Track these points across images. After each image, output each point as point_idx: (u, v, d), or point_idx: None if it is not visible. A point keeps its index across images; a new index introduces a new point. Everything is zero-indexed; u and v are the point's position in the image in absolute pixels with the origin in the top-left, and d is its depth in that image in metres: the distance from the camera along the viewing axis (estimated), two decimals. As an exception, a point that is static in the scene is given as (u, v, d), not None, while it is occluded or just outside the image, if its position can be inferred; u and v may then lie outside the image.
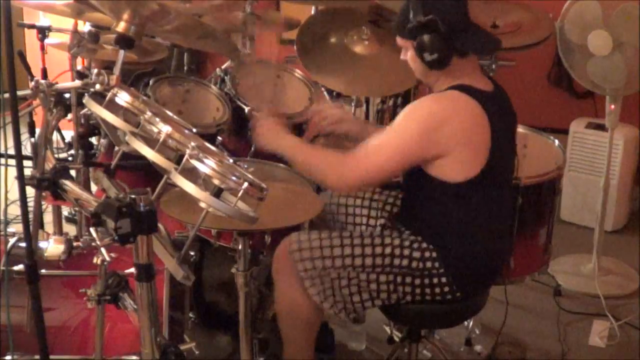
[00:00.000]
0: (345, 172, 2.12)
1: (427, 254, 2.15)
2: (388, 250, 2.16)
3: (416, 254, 2.16)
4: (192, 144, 1.52)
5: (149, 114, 1.60)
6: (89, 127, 2.64)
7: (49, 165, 1.81)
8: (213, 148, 1.71)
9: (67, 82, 2.44)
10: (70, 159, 3.59)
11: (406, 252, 2.16)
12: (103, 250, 1.61)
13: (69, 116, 2.47)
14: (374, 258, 2.16)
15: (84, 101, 1.73)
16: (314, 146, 2.25)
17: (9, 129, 1.63)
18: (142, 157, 1.55)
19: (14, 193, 1.65)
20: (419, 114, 2.11)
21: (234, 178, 1.49)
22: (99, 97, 1.69)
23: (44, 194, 1.76)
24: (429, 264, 2.15)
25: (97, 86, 1.89)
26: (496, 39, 2.21)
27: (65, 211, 3.47)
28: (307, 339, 2.29)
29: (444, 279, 2.15)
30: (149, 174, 2.03)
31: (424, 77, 2.20)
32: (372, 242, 2.18)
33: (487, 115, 2.08)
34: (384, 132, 2.13)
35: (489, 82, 2.19)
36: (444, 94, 2.11)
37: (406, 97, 3.71)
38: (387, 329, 2.95)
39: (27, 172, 1.68)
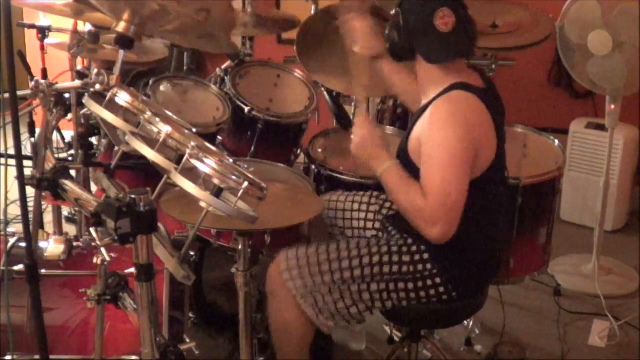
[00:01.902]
0: (429, 227, 2.02)
1: (417, 257, 2.15)
2: (376, 259, 2.16)
3: (406, 258, 2.15)
4: (192, 143, 1.52)
5: (149, 114, 1.60)
6: (89, 127, 2.64)
7: (49, 165, 1.81)
8: (213, 148, 1.71)
9: (67, 82, 2.43)
10: (70, 159, 3.59)
11: (395, 258, 2.16)
12: (103, 250, 1.61)
13: (69, 116, 2.47)
14: (362, 269, 2.15)
15: (84, 101, 1.73)
16: (403, 179, 2.09)
17: (9, 129, 1.64)
18: (142, 157, 1.56)
19: (14, 193, 1.65)
20: (450, 122, 2.04)
21: (234, 178, 1.49)
22: (99, 97, 1.69)
23: (44, 194, 1.76)
24: (420, 267, 2.14)
25: (97, 86, 1.88)
26: (458, 46, 2.13)
27: (65, 211, 3.47)
28: (301, 353, 2.29)
29: (437, 280, 2.15)
30: (149, 174, 2.03)
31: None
32: (359, 253, 2.17)
33: (489, 112, 2.08)
34: (430, 166, 2.04)
35: (478, 77, 2.19)
36: (454, 96, 2.08)
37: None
38: (387, 329, 2.95)
39: (27, 172, 1.68)
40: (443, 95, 2.09)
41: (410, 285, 2.15)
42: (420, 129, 2.11)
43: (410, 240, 2.17)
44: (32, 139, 3.26)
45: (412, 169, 2.12)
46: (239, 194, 1.50)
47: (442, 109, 2.07)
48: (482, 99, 2.08)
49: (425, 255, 2.15)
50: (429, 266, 2.14)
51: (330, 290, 2.17)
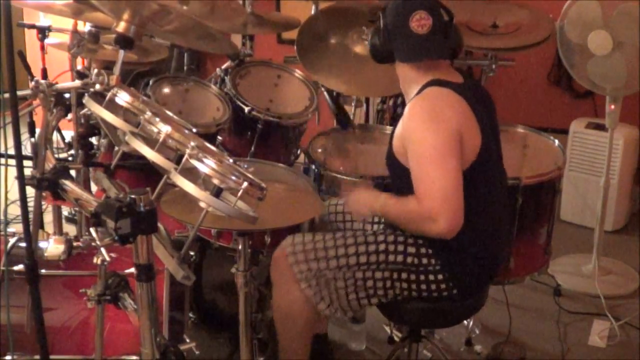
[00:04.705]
0: (432, 224, 2.02)
1: (422, 250, 2.16)
2: (382, 247, 2.17)
3: (411, 249, 2.17)
4: (192, 143, 1.52)
5: (149, 114, 1.61)
6: (89, 127, 2.64)
7: (49, 165, 1.81)
8: (213, 148, 1.71)
9: (67, 82, 2.43)
10: (70, 159, 3.59)
11: (400, 247, 2.17)
12: (103, 250, 1.61)
13: (69, 116, 2.47)
14: (368, 256, 2.17)
15: (84, 101, 1.73)
16: (396, 202, 2.14)
17: (9, 129, 1.64)
18: (142, 157, 1.56)
19: (14, 193, 1.65)
20: (427, 117, 2.08)
21: (233, 178, 1.49)
22: (99, 97, 1.70)
23: (44, 194, 1.76)
24: (424, 260, 2.16)
25: (97, 86, 1.89)
26: (432, 48, 2.16)
27: (65, 211, 3.47)
28: (303, 342, 2.30)
29: (440, 276, 2.16)
30: (149, 174, 2.03)
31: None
32: (365, 240, 2.19)
33: (467, 103, 2.10)
34: (418, 165, 2.06)
35: (458, 75, 2.21)
36: (428, 93, 2.11)
37: (406, 97, 3.71)
38: (387, 329, 2.95)
39: (27, 172, 1.68)
40: (418, 94, 2.13)
41: (413, 277, 2.16)
42: (400, 129, 2.15)
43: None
44: (32, 139, 3.26)
45: (399, 169, 2.15)
46: (239, 194, 1.50)
47: (417, 106, 2.12)
48: (458, 92, 2.10)
49: (430, 250, 2.16)
50: (432, 261, 2.16)
51: (335, 277, 2.18)
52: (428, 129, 2.06)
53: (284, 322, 2.27)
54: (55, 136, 3.92)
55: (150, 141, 1.57)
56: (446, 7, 2.18)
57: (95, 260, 1.63)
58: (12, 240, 2.10)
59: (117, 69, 1.94)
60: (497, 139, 2.25)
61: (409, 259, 2.16)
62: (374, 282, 2.18)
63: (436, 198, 2.01)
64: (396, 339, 2.89)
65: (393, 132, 2.22)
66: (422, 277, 2.16)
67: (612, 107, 3.33)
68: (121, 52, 1.97)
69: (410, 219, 2.10)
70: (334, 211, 2.48)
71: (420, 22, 2.12)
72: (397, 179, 2.22)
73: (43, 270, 1.94)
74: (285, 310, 2.25)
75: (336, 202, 2.50)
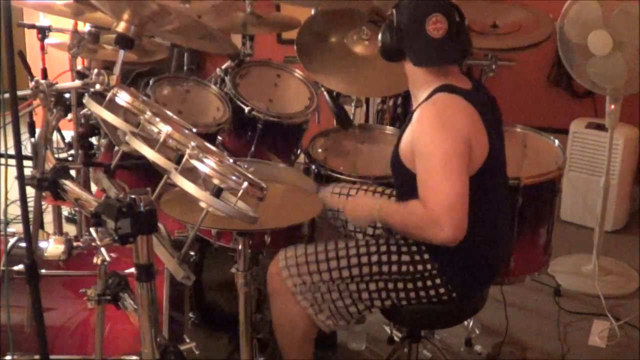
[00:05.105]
0: (438, 231, 1.99)
1: (417, 257, 2.15)
2: (375, 258, 2.16)
3: (405, 258, 2.15)
4: (192, 143, 1.53)
5: (149, 114, 1.61)
6: (89, 127, 2.64)
7: (49, 165, 1.81)
8: (213, 148, 1.72)
9: (67, 82, 2.43)
10: (70, 159, 3.59)
11: (394, 257, 2.15)
12: (103, 250, 1.61)
13: (69, 116, 2.47)
14: (360, 268, 2.16)
15: (84, 101, 1.73)
16: (398, 207, 2.14)
17: (9, 129, 1.64)
18: (142, 157, 1.56)
19: (14, 193, 1.65)
20: (437, 124, 2.05)
21: (234, 178, 1.49)
22: (99, 97, 1.70)
23: (44, 194, 1.76)
24: (420, 267, 2.14)
25: (97, 86, 1.89)
26: (446, 53, 2.13)
27: (65, 211, 3.47)
28: (304, 351, 2.29)
29: (437, 280, 2.14)
30: (149, 174, 2.03)
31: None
32: (357, 252, 2.17)
33: (476, 110, 2.08)
34: (426, 171, 2.04)
35: (467, 80, 2.18)
36: (438, 99, 2.09)
37: (406, 97, 3.71)
38: (387, 329, 2.95)
39: (27, 172, 1.68)
40: (428, 100, 2.10)
41: (410, 285, 2.15)
42: (409, 134, 2.12)
43: (410, 240, 2.16)
44: (32, 139, 3.26)
45: (405, 174, 2.13)
46: (239, 194, 1.50)
47: (427, 113, 2.08)
48: (468, 99, 2.09)
49: (426, 256, 2.14)
50: (428, 266, 2.14)
51: (329, 289, 2.18)
52: (438, 136, 2.03)
53: (284, 334, 2.27)
54: (55, 136, 3.92)
55: (150, 141, 1.57)
56: (458, 7, 2.14)
57: (95, 260, 1.63)
58: (12, 240, 2.11)
59: (117, 69, 1.94)
60: (502, 144, 2.23)
61: (404, 267, 2.15)
62: (369, 293, 2.17)
63: (443, 205, 1.98)
64: (396, 339, 2.88)
65: (400, 137, 2.19)
66: (419, 284, 2.15)
67: (612, 107, 3.33)
68: (121, 52, 1.97)
69: (414, 224, 2.06)
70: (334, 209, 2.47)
71: (436, 26, 2.08)
72: (402, 184, 2.20)
73: (43, 270, 1.94)
74: (284, 323, 2.25)
75: (338, 190, 2.47)
